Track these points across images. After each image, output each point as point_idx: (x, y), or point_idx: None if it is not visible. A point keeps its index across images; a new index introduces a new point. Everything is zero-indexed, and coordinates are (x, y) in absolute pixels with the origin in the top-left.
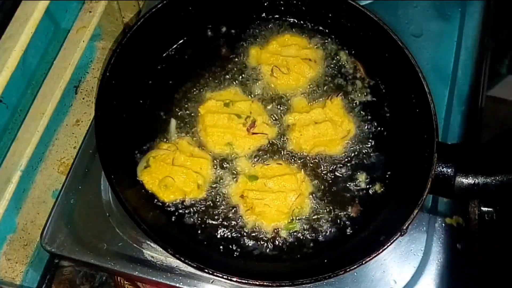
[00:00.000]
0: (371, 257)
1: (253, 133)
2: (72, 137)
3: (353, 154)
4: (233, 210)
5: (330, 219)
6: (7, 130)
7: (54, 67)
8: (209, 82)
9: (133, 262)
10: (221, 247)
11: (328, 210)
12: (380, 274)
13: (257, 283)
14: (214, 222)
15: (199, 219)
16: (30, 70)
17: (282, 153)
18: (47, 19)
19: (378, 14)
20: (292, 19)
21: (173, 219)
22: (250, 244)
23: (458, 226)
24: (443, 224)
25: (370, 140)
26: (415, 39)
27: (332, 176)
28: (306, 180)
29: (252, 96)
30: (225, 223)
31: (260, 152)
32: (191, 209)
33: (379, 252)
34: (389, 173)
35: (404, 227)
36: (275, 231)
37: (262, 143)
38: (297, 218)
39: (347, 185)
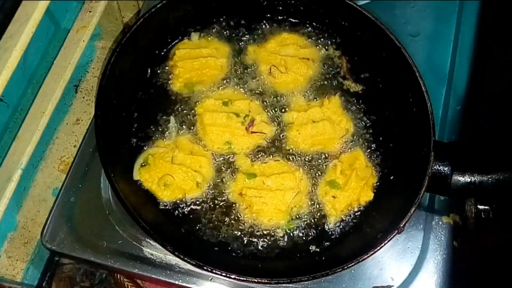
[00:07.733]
0: (368, 255)
1: (252, 132)
2: (72, 135)
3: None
4: (231, 208)
5: (327, 217)
6: (7, 129)
7: (55, 67)
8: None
9: (132, 260)
10: (219, 244)
11: (325, 208)
12: (377, 271)
13: (256, 280)
14: (213, 220)
15: (198, 217)
16: (30, 70)
17: (281, 152)
18: (48, 19)
19: (375, 14)
20: (290, 18)
21: (172, 217)
22: (248, 242)
23: (455, 224)
24: (440, 222)
25: (368, 139)
26: (412, 38)
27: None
28: (305, 178)
29: (251, 95)
30: (224, 221)
31: (259, 150)
32: (190, 207)
33: (377, 249)
34: (386, 171)
35: (401, 225)
36: (273, 229)
37: (261, 142)
38: (295, 216)
39: None
